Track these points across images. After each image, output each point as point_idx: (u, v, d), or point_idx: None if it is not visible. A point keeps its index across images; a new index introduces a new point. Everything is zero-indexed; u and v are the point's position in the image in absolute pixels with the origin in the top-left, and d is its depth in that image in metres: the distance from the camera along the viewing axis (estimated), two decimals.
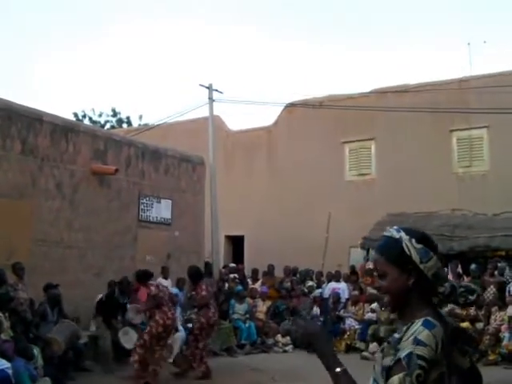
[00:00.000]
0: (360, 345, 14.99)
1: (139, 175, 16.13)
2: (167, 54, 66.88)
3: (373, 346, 14.38)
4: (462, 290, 2.54)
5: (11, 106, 12.76)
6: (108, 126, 43.84)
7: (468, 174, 20.79)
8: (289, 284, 17.86)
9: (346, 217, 21.25)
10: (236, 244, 25.02)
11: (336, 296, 16.44)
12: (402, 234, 2.59)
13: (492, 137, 20.26)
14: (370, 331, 14.85)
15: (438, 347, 2.38)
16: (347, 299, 16.58)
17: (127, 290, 13.14)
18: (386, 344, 2.56)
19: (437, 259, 2.55)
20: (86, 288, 13.72)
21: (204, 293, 11.70)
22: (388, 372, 2.42)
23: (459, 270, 16.46)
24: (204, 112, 22.32)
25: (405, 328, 2.47)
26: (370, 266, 18.00)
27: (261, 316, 16.23)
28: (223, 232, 22.96)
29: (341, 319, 15.89)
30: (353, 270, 18.26)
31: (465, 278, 16.22)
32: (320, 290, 17.13)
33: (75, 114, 43.35)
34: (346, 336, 15.36)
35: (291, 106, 24.03)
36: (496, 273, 15.87)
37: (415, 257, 2.54)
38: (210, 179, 20.28)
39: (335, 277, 17.50)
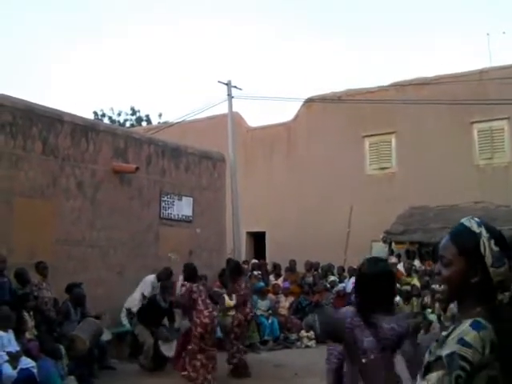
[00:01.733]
0: None
1: (160, 173, 16.16)
2: (186, 51, 67.06)
3: None
4: None
5: (31, 107, 12.83)
6: (127, 124, 44.06)
7: (490, 165, 20.64)
8: (311, 279, 17.83)
9: (367, 211, 21.19)
10: (257, 240, 25.05)
11: None
12: (483, 230, 2.48)
13: None
14: None
15: (486, 350, 2.29)
16: None
17: (169, 293, 12.85)
18: (434, 343, 2.48)
19: (508, 268, 2.42)
20: (109, 286, 13.78)
21: (243, 290, 11.75)
22: (427, 368, 2.37)
23: None
24: (223, 109, 22.40)
25: (452, 327, 2.43)
26: (393, 260, 17.96)
27: (283, 312, 16.23)
28: (244, 228, 23.00)
29: None
30: None
31: None
32: (343, 285, 17.08)
33: (95, 113, 43.71)
34: None
35: (310, 102, 24.01)
36: None
37: (488, 258, 2.43)
38: (230, 176, 20.32)
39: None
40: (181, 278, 15.02)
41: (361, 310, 4.13)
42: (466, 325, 2.36)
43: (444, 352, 2.31)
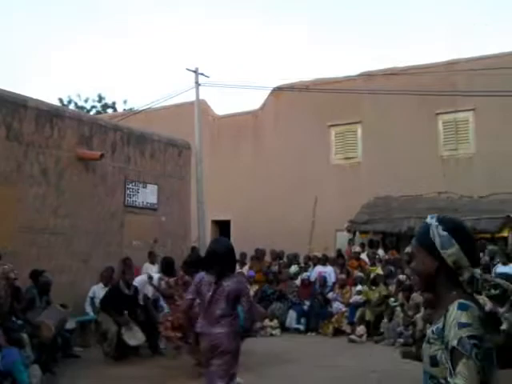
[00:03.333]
0: (347, 328, 15.06)
1: (125, 160, 16.06)
2: (153, 38, 66.61)
3: (360, 328, 14.48)
4: (484, 282, 2.55)
5: None
6: (94, 111, 43.70)
7: (454, 157, 20.82)
8: (276, 268, 17.88)
9: (332, 200, 21.31)
10: (223, 229, 25.04)
11: (322, 279, 16.48)
12: (433, 220, 2.79)
13: (478, 120, 20.29)
14: (357, 314, 14.91)
15: (479, 324, 2.53)
16: (334, 283, 16.62)
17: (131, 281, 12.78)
18: (430, 334, 2.69)
19: (459, 248, 2.68)
20: (73, 274, 13.69)
21: None
22: (451, 364, 2.51)
23: None
24: (190, 97, 22.32)
25: (443, 317, 2.61)
26: (356, 249, 18.11)
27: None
28: (210, 217, 22.98)
29: (328, 302, 15.95)
30: (339, 254, 18.29)
31: None
32: (308, 274, 17.14)
33: (60, 100, 43.24)
34: (333, 319, 15.42)
35: (278, 91, 23.99)
36: (482, 255, 15.97)
37: (438, 243, 2.72)
38: (196, 164, 20.27)
39: (322, 260, 17.50)
40: (146, 265, 15.05)
41: (209, 273, 6.51)
42: (454, 310, 2.58)
43: (454, 343, 2.51)
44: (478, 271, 2.68)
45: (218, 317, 6.36)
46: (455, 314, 2.56)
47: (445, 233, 2.72)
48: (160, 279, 11.54)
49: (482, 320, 2.56)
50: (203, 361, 6.68)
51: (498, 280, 2.83)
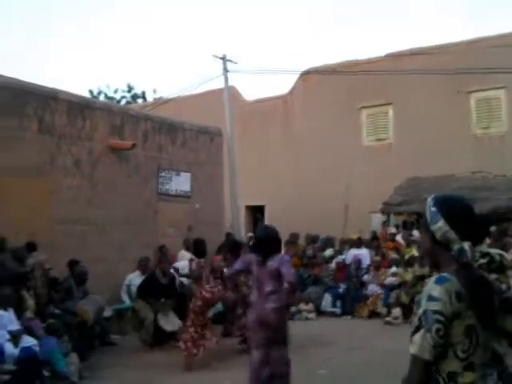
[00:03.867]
0: (382, 310, 15.03)
1: (157, 149, 16.14)
2: (180, 25, 66.65)
3: (395, 311, 14.43)
4: (477, 254, 2.53)
5: (26, 86, 12.79)
6: (123, 101, 43.91)
7: (487, 135, 20.62)
8: (311, 252, 17.88)
9: (365, 182, 21.22)
10: (256, 214, 25.09)
11: (357, 262, 16.45)
12: (430, 198, 2.85)
13: (510, 97, 20.05)
14: (392, 296, 14.88)
15: (453, 300, 2.55)
16: (369, 265, 16.58)
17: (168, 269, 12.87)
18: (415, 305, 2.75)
19: (444, 222, 2.72)
20: (108, 264, 13.82)
21: None
22: (412, 332, 2.62)
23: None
24: (219, 84, 22.34)
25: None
26: (392, 230, 18.02)
27: (284, 285, 16.24)
28: (243, 202, 23.03)
29: (363, 285, 15.93)
30: (374, 236, 18.23)
31: (487, 240, 16.21)
32: (342, 257, 17.13)
33: (90, 92, 43.50)
34: (368, 302, 15.41)
35: (306, 74, 23.91)
36: None
37: (428, 218, 2.80)
38: (227, 150, 20.29)
39: (356, 243, 17.47)
40: (182, 252, 15.13)
41: (258, 255, 7.44)
42: (431, 281, 2.65)
43: (419, 311, 2.60)
44: (467, 243, 2.65)
45: (267, 293, 7.26)
46: (430, 286, 2.62)
47: (433, 208, 2.78)
48: (191, 260, 11.58)
49: (460, 296, 2.56)
50: (250, 335, 7.63)
51: (489, 249, 2.83)
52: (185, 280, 13.06)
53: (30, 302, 9.59)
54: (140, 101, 42.38)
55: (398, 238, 17.76)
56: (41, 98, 12.95)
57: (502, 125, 20.42)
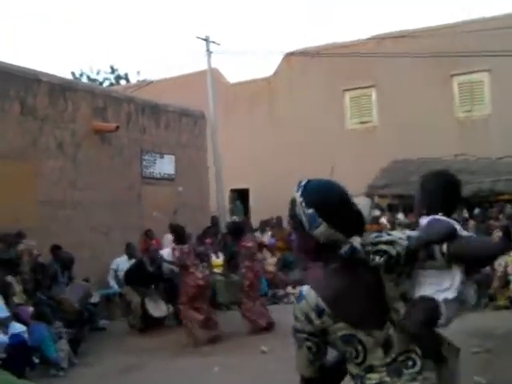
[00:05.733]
0: None
1: (140, 131, 16.00)
2: (163, 7, 66.09)
3: None
4: (369, 248, 2.37)
5: (8, 68, 12.59)
6: (106, 83, 43.51)
7: (470, 118, 20.65)
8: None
9: (349, 165, 21.14)
10: (241, 197, 24.97)
11: None
12: (298, 194, 2.47)
13: (493, 80, 20.08)
14: None
15: (312, 318, 2.40)
16: None
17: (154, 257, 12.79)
18: None
19: (327, 226, 2.38)
20: (94, 248, 13.69)
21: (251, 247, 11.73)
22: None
23: (465, 214, 16.47)
24: (202, 65, 22.13)
25: None
26: (376, 213, 18.01)
27: (270, 268, 16.20)
28: (228, 186, 22.90)
29: None
30: None
31: (470, 222, 16.28)
32: None
33: (73, 74, 43.04)
34: None
35: (290, 56, 23.73)
36: (501, 216, 15.87)
37: (305, 224, 2.43)
38: (211, 133, 20.15)
39: None
40: (167, 236, 15.01)
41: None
42: (295, 297, 2.52)
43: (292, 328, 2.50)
44: (357, 240, 2.41)
45: None
46: (294, 303, 2.52)
47: (310, 210, 2.41)
48: (173, 249, 11.46)
49: (321, 311, 2.40)
50: None
51: (383, 241, 2.45)
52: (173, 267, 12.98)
53: (18, 287, 9.46)
54: (123, 82, 41.98)
55: (383, 220, 17.75)
56: (23, 81, 12.76)
57: (484, 108, 20.44)
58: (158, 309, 11.86)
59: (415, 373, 2.40)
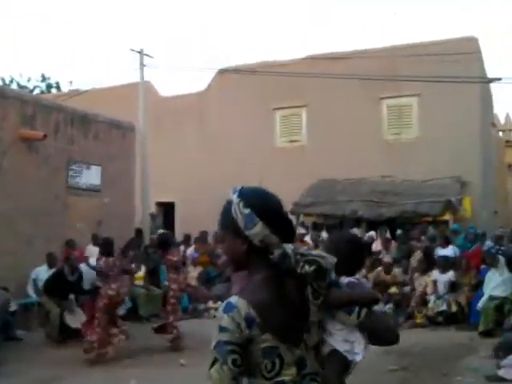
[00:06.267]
0: None
1: (68, 141, 15.85)
2: (99, 19, 65.58)
3: None
4: (299, 257, 2.48)
5: None
6: (37, 91, 42.85)
7: (397, 141, 21.06)
8: (220, 250, 17.89)
9: (276, 183, 21.05)
10: (167, 211, 24.91)
11: None
12: (235, 196, 2.49)
13: (421, 104, 20.56)
14: None
15: (242, 328, 2.32)
16: None
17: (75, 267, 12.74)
18: None
19: (264, 226, 2.41)
20: (16, 256, 13.48)
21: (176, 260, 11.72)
22: (210, 365, 2.35)
23: (388, 235, 16.85)
24: (135, 78, 22.10)
25: None
26: (301, 231, 18.22)
27: (192, 282, 16.25)
28: (154, 199, 22.85)
29: None
30: None
31: (393, 243, 16.66)
32: None
33: (2, 80, 42.26)
34: None
35: (223, 72, 23.87)
36: (423, 238, 16.30)
37: (241, 223, 2.44)
38: (140, 145, 20.12)
39: None
40: (89, 247, 14.92)
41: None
42: (220, 309, 2.40)
43: (212, 344, 2.35)
44: (290, 246, 2.43)
45: None
46: (219, 315, 2.39)
47: (247, 210, 2.43)
48: (98, 259, 11.44)
49: (251, 321, 2.33)
50: None
51: (314, 255, 2.45)
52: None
53: None
54: (54, 91, 41.42)
55: (307, 238, 17.98)
56: None
57: (412, 131, 20.91)
58: (77, 320, 11.75)
59: None
